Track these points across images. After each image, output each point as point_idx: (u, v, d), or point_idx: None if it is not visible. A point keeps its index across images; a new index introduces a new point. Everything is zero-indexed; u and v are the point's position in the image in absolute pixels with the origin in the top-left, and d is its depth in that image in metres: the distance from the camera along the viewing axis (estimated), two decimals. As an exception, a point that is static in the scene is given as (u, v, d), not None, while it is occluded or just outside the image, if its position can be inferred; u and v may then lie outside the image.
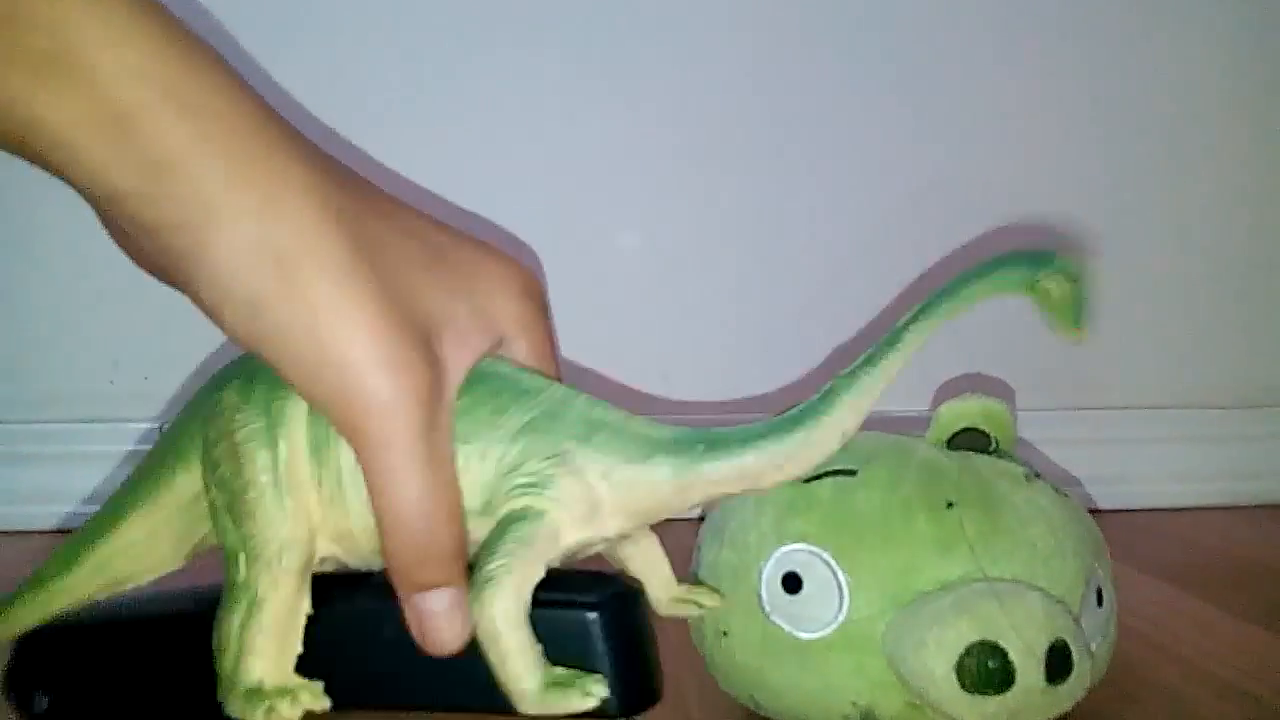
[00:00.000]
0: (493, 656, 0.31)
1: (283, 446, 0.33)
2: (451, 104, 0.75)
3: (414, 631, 0.32)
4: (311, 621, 0.34)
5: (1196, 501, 0.81)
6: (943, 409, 0.41)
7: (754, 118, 0.78)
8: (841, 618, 0.36)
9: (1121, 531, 0.68)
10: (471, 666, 0.32)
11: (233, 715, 0.33)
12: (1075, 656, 0.34)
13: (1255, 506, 0.82)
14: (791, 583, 0.37)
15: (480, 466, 0.33)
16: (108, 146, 0.28)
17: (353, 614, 0.34)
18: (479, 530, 0.33)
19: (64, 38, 0.27)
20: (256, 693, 0.32)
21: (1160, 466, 0.82)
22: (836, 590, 0.36)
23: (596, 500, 0.33)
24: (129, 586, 0.38)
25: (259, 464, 0.33)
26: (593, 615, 0.34)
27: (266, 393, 0.34)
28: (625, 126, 0.77)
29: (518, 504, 0.32)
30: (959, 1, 0.79)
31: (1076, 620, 0.35)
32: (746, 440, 0.33)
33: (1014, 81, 0.80)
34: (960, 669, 0.33)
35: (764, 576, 0.38)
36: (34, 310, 0.74)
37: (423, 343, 0.31)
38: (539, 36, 0.75)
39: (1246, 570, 0.65)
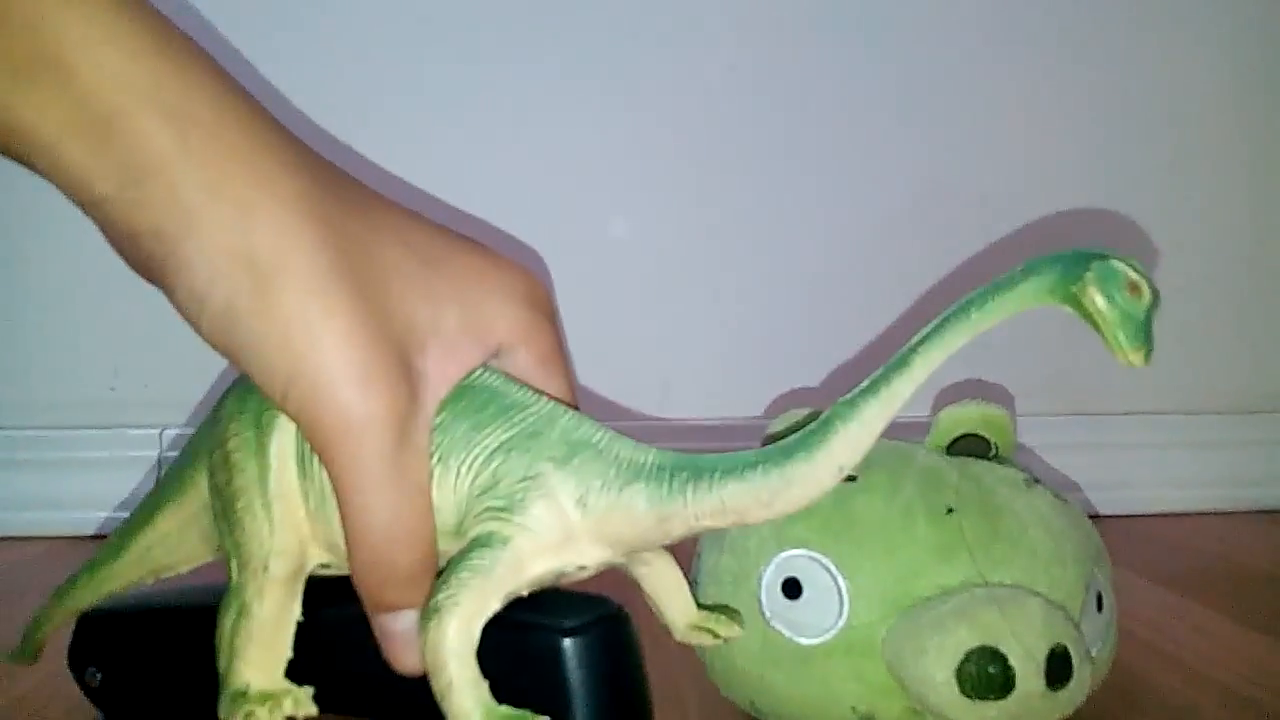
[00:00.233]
0: (435, 688, 0.30)
1: (272, 457, 0.33)
2: (450, 109, 0.75)
3: (381, 650, 0.32)
4: (306, 627, 0.33)
5: (1196, 507, 0.81)
6: (942, 414, 0.41)
7: (755, 125, 0.78)
8: (842, 623, 0.36)
9: (1121, 537, 0.68)
10: None
11: (220, 717, 0.32)
12: (1075, 662, 0.34)
13: (1255, 512, 0.82)
14: (792, 588, 0.37)
15: (455, 484, 0.31)
16: (88, 152, 0.28)
17: (345, 620, 0.33)
18: (453, 549, 0.32)
19: (45, 39, 0.27)
20: (241, 696, 0.32)
21: (1160, 472, 0.82)
22: (837, 596, 0.36)
23: (570, 527, 0.31)
24: (169, 574, 0.39)
25: (248, 474, 0.33)
26: (566, 641, 0.32)
27: (259, 402, 0.33)
28: (625, 134, 0.77)
29: (485, 528, 0.31)
30: (960, 6, 0.79)
31: (1076, 626, 0.35)
32: (730, 471, 0.30)
33: (1015, 88, 0.80)
34: (960, 675, 0.33)
35: (764, 582, 0.38)
36: (34, 317, 0.74)
37: (399, 358, 0.30)
38: (538, 44, 0.75)
39: (1246, 575, 0.65)
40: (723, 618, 0.37)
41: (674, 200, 0.78)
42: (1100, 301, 0.30)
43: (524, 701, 0.30)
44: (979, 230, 0.80)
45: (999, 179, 0.81)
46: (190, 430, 0.75)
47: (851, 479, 0.38)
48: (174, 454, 0.76)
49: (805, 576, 0.37)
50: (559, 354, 0.35)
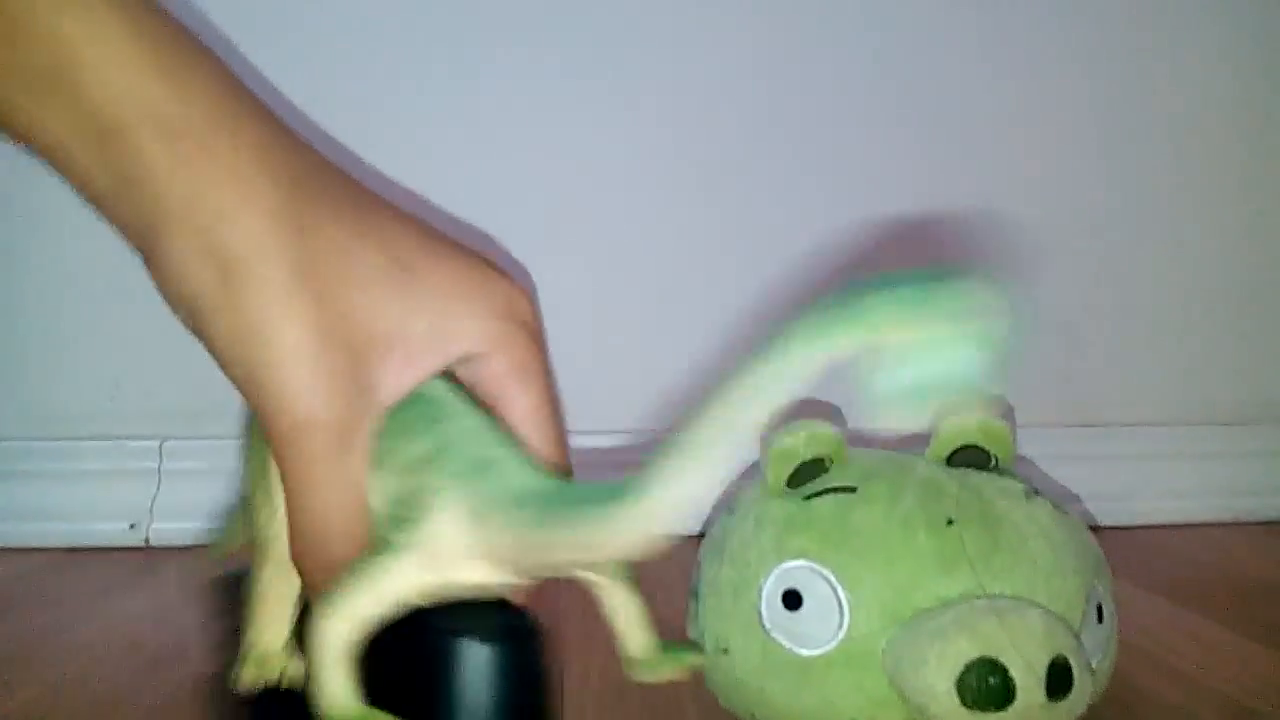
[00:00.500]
0: (310, 684, 0.31)
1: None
2: (449, 113, 0.75)
3: None
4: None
5: (1196, 518, 0.81)
6: (942, 426, 0.41)
7: (756, 132, 0.78)
8: (842, 634, 0.36)
9: (1121, 548, 0.68)
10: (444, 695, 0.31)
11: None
12: (1076, 673, 0.34)
13: (1255, 523, 0.82)
14: (792, 599, 0.37)
15: (382, 489, 0.32)
16: (90, 156, 0.31)
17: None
18: None
19: (62, 57, 0.30)
20: (243, 657, 0.35)
21: (1160, 483, 0.82)
22: (837, 607, 0.36)
23: (460, 544, 0.31)
24: None
25: (252, 465, 0.36)
26: (447, 644, 0.32)
27: None
28: (626, 140, 0.77)
29: (388, 535, 0.32)
30: (959, 15, 0.79)
31: (1077, 637, 0.35)
32: (585, 504, 0.29)
33: (1015, 98, 0.80)
34: (961, 686, 0.33)
35: (764, 593, 0.38)
36: (34, 328, 0.74)
37: (351, 366, 0.32)
38: (539, 48, 0.76)
39: (1246, 586, 0.65)
40: (678, 656, 0.37)
41: (674, 206, 0.78)
42: (911, 331, 0.25)
43: (411, 700, 0.31)
44: (981, 240, 0.81)
45: (998, 191, 0.81)
46: (190, 441, 0.76)
47: (851, 490, 0.38)
48: (174, 465, 0.76)
49: (805, 588, 0.37)
50: (535, 364, 0.35)
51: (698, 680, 0.42)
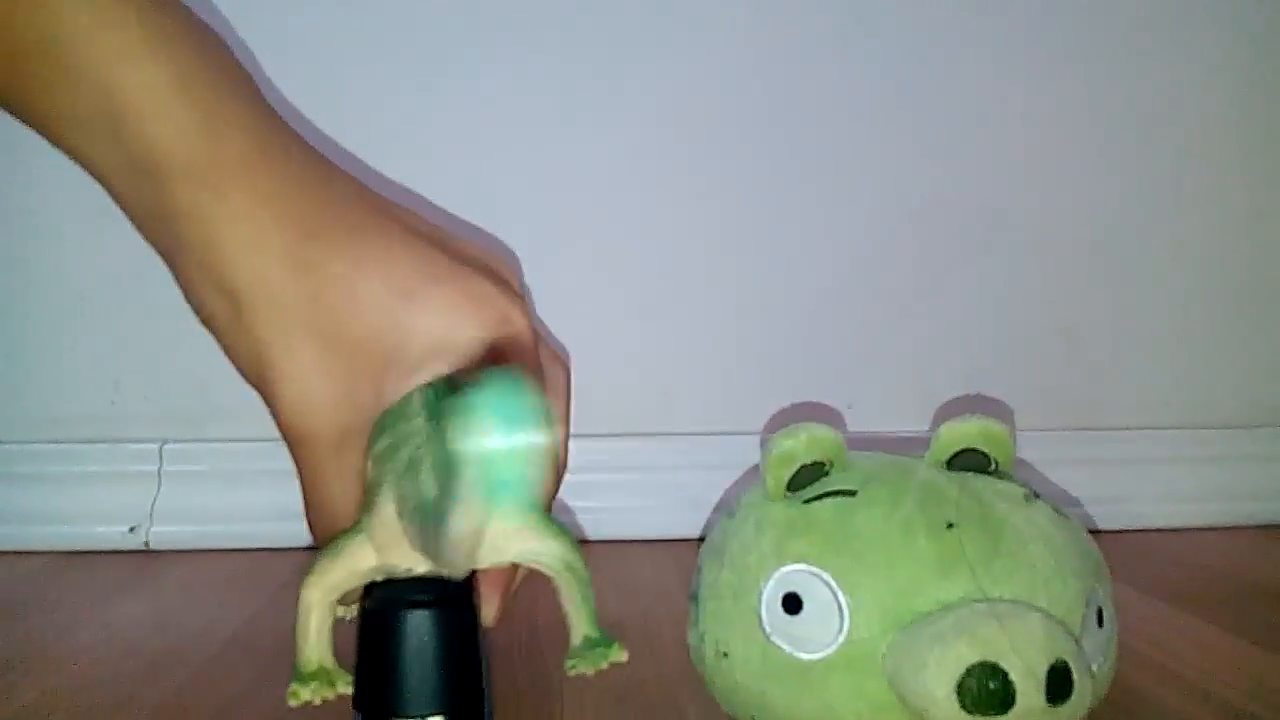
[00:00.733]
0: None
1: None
2: (449, 115, 0.75)
3: None
4: None
5: (1197, 522, 0.81)
6: (942, 429, 0.41)
7: (757, 137, 0.78)
8: (842, 638, 0.36)
9: (1122, 552, 0.68)
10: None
11: None
12: (1076, 677, 0.33)
13: (1256, 527, 0.82)
14: (792, 603, 0.37)
15: (367, 478, 0.37)
16: (128, 188, 0.35)
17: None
18: None
19: (113, 104, 0.33)
20: (297, 674, 0.37)
21: (1160, 487, 0.82)
22: (837, 611, 0.36)
23: (396, 532, 0.35)
24: None
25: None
26: (368, 613, 0.36)
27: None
28: (626, 144, 0.77)
29: (359, 517, 0.37)
30: (959, 18, 0.79)
31: (1077, 641, 0.35)
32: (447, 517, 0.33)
33: (1015, 99, 0.80)
34: (961, 690, 0.33)
35: (764, 597, 0.38)
36: (35, 331, 0.74)
37: (350, 386, 0.36)
38: (540, 50, 0.76)
39: (1247, 591, 0.65)
40: (600, 652, 0.39)
41: (675, 210, 0.78)
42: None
43: (367, 664, 0.35)
44: (982, 244, 0.81)
45: (1000, 193, 0.81)
46: (191, 444, 0.76)
47: (852, 494, 0.38)
48: (174, 468, 0.76)
49: (805, 591, 0.37)
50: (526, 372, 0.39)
51: (697, 684, 0.42)
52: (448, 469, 0.33)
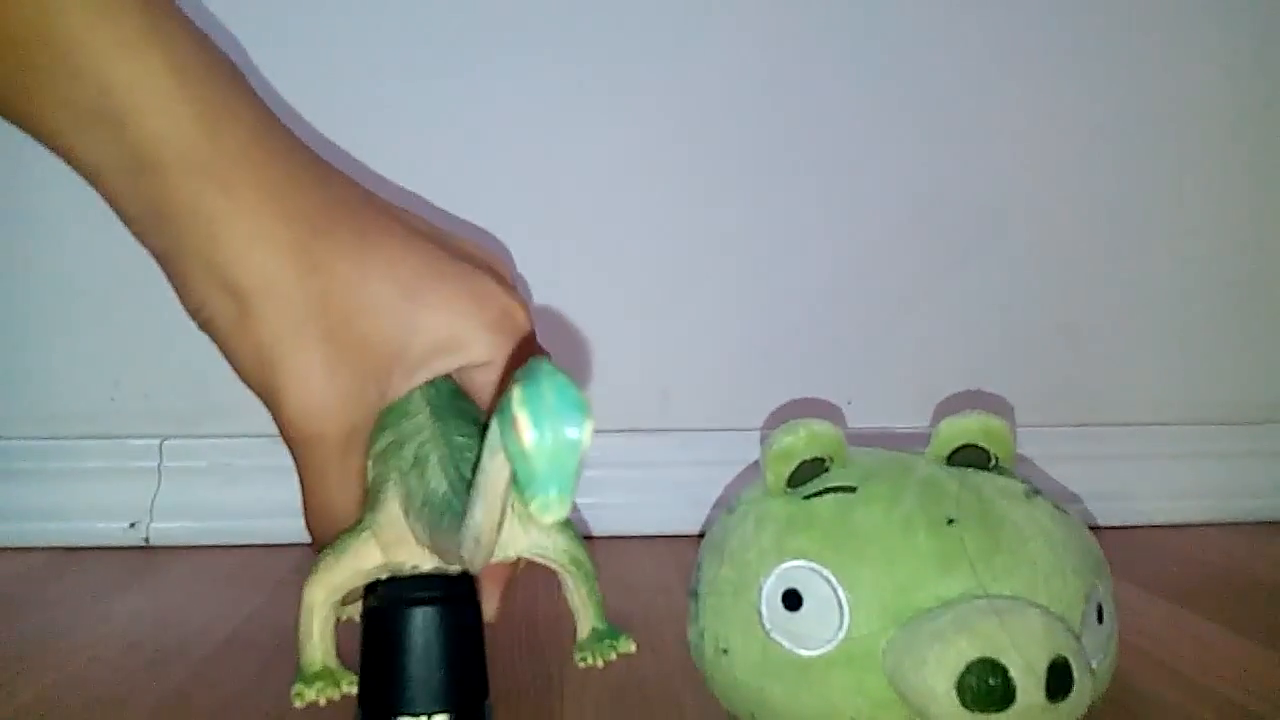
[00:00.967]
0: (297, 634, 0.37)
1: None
2: (450, 115, 0.75)
3: None
4: None
5: (1197, 518, 0.81)
6: (943, 425, 0.41)
7: (756, 135, 0.78)
8: (842, 635, 0.36)
9: (1122, 548, 0.68)
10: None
11: None
12: (1076, 674, 0.33)
13: (1256, 523, 0.82)
14: (792, 599, 0.37)
15: (369, 477, 0.38)
16: (127, 186, 0.34)
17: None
18: None
19: (109, 98, 0.33)
20: (300, 675, 0.37)
21: (1161, 483, 0.82)
22: (837, 607, 0.36)
23: (402, 530, 0.36)
24: None
25: None
26: (372, 611, 0.36)
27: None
28: (627, 143, 0.77)
29: (362, 515, 0.37)
30: (960, 16, 0.79)
31: (1077, 637, 0.35)
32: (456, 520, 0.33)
33: (1016, 97, 0.80)
34: (961, 687, 0.33)
35: (764, 593, 0.38)
36: (34, 327, 0.74)
37: (355, 387, 0.36)
38: (541, 50, 0.76)
39: (1247, 587, 0.65)
40: (608, 645, 0.40)
41: (675, 207, 0.78)
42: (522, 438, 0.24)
43: (372, 662, 0.35)
44: (982, 241, 0.81)
45: (1001, 191, 0.81)
46: (190, 441, 0.76)
47: (852, 490, 0.38)
48: (174, 464, 0.76)
49: (805, 587, 0.37)
50: None
51: (698, 681, 0.42)
52: (467, 464, 0.33)
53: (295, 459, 0.37)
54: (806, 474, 0.40)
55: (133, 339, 0.74)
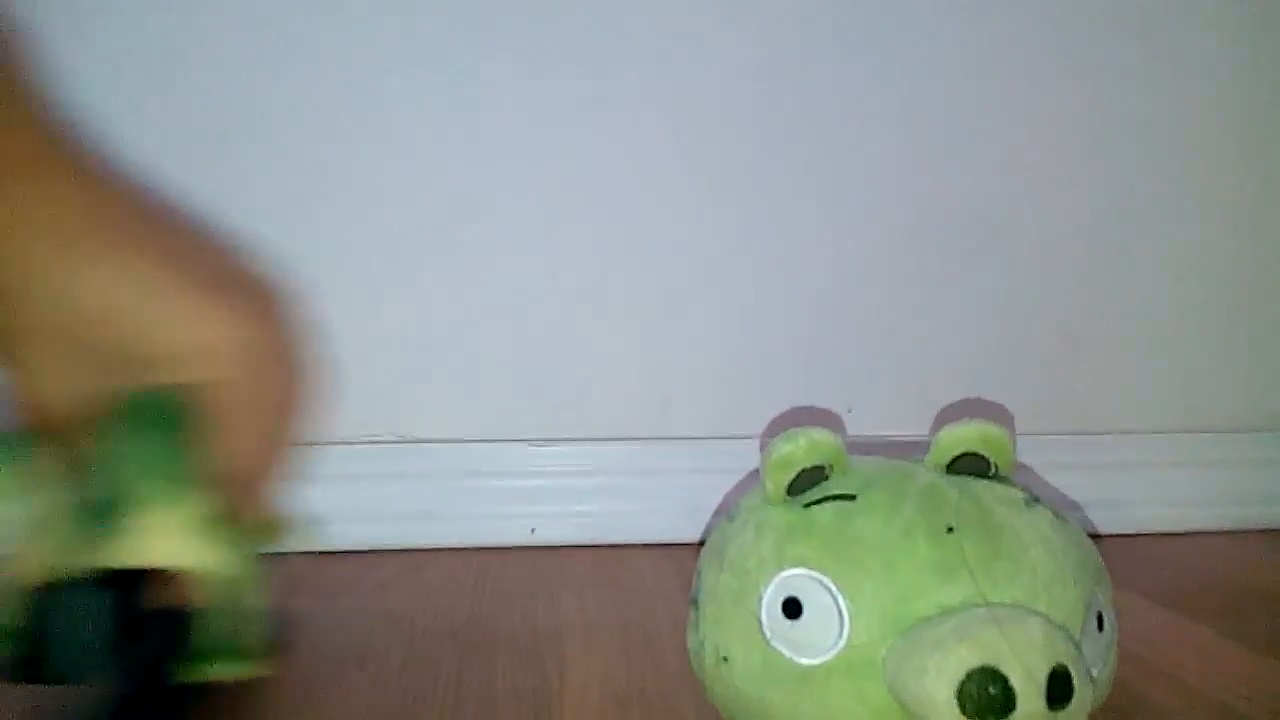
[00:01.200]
0: None
1: None
2: (449, 119, 0.76)
3: None
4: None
5: (1197, 526, 0.81)
6: (942, 433, 0.41)
7: (756, 143, 0.78)
8: (842, 643, 0.36)
9: (1122, 556, 0.68)
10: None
11: None
12: (1076, 682, 0.33)
13: (1257, 531, 0.82)
14: (792, 608, 0.37)
15: None
16: None
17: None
18: None
19: None
20: None
21: (1161, 491, 0.82)
22: (837, 615, 0.36)
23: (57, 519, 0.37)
24: None
25: None
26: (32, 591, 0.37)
27: None
28: (626, 151, 0.77)
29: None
30: (961, 24, 0.79)
31: (1077, 646, 0.35)
32: None
33: (1015, 105, 0.81)
34: (961, 695, 0.33)
35: (764, 601, 0.37)
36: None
37: (83, 387, 0.37)
38: (536, 60, 0.76)
39: (1248, 596, 0.65)
40: (218, 666, 0.41)
41: (675, 216, 0.78)
42: None
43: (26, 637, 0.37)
44: (982, 249, 0.81)
45: (1000, 201, 0.81)
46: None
47: (851, 498, 0.38)
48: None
49: (805, 596, 0.37)
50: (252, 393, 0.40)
51: (698, 690, 0.42)
52: (107, 470, 0.36)
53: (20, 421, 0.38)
54: (806, 482, 0.40)
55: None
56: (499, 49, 0.75)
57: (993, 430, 0.41)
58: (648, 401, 0.79)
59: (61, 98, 0.37)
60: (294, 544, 0.46)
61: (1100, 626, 0.38)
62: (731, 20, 0.77)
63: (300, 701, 0.46)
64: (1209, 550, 0.76)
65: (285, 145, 0.73)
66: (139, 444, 0.38)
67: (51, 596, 0.37)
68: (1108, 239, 0.83)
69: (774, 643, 0.37)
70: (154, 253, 0.38)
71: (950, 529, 0.37)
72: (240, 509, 0.41)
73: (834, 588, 0.36)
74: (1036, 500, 0.40)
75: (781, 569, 0.37)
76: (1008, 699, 0.32)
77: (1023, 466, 0.71)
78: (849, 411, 0.80)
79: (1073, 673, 0.33)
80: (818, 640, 0.36)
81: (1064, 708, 0.33)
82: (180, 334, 0.38)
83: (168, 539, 0.38)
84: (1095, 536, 0.78)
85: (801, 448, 0.40)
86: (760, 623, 0.37)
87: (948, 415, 0.79)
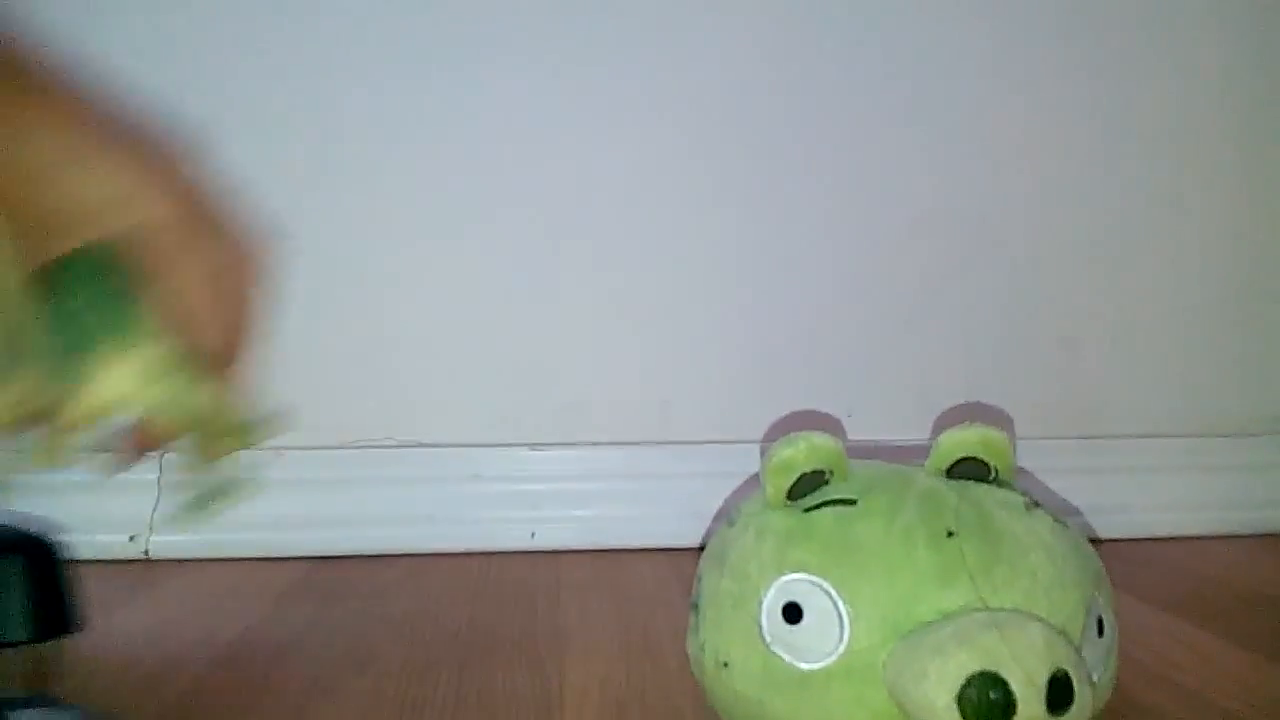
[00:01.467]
0: None
1: None
2: (450, 128, 0.76)
3: None
4: None
5: (1197, 530, 0.81)
6: (942, 438, 0.41)
7: (758, 148, 0.78)
8: (842, 648, 0.36)
9: (1122, 561, 0.68)
10: None
11: None
12: (1076, 686, 0.33)
13: (1255, 535, 0.82)
14: (792, 612, 0.37)
15: None
16: None
17: None
18: None
19: None
20: None
21: (1160, 495, 0.82)
22: (837, 620, 0.36)
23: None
24: None
25: None
26: None
27: None
28: (627, 155, 0.77)
29: None
30: (961, 29, 0.79)
31: (1077, 650, 0.35)
32: None
33: (1015, 111, 0.81)
34: (962, 700, 0.33)
35: (764, 606, 0.37)
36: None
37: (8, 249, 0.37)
38: (538, 63, 0.76)
39: (1247, 599, 0.65)
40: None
41: (676, 221, 0.78)
42: None
43: None
44: (981, 254, 0.81)
45: (1000, 205, 0.81)
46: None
47: (851, 503, 0.38)
48: (175, 477, 0.76)
49: (806, 601, 0.37)
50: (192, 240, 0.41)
51: (698, 693, 0.42)
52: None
53: None
54: (807, 486, 0.40)
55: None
56: (501, 53, 0.76)
57: (993, 435, 0.41)
58: (648, 406, 0.79)
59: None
60: (261, 437, 0.46)
61: (1100, 631, 0.38)
62: (734, 28, 0.77)
63: (302, 705, 0.46)
64: (1209, 555, 0.76)
65: (285, 146, 0.73)
66: (88, 297, 0.38)
67: None
68: (1107, 245, 0.83)
69: (774, 647, 0.37)
70: (82, 124, 0.39)
71: (950, 533, 0.37)
72: (209, 369, 0.42)
73: (834, 592, 0.36)
74: (1037, 505, 0.40)
75: (782, 574, 0.37)
76: (1008, 704, 0.32)
77: (1022, 471, 0.71)
78: (849, 416, 0.80)
79: (1073, 677, 0.33)
80: (818, 645, 0.36)
81: (1064, 712, 0.33)
82: (104, 183, 0.38)
83: (132, 382, 0.40)
84: (1095, 541, 0.78)
85: (802, 452, 0.40)
86: (760, 627, 0.37)
87: (947, 419, 0.79)
